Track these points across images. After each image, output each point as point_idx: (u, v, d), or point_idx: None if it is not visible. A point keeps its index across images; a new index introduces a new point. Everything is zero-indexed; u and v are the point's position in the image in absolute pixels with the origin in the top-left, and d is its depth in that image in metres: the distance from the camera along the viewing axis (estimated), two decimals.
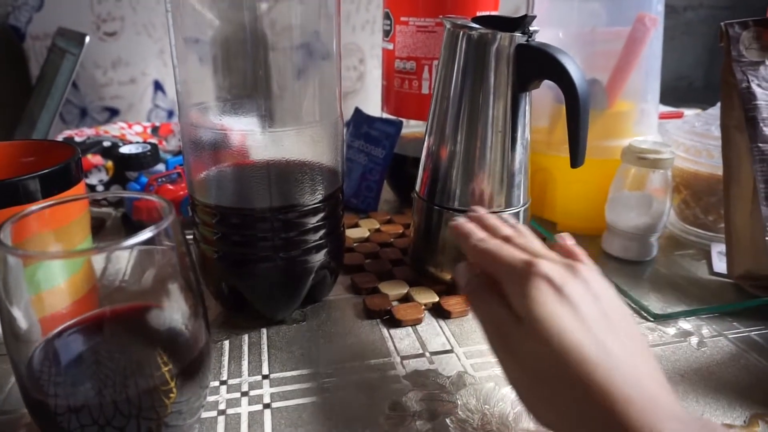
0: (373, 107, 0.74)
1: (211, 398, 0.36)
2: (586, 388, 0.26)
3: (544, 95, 0.62)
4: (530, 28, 0.44)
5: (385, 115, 0.69)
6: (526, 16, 0.43)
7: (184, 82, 0.42)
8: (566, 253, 0.36)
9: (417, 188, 0.51)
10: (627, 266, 0.55)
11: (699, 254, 0.58)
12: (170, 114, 1.34)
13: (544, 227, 0.63)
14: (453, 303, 0.47)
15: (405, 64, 0.63)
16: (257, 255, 0.43)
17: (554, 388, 0.28)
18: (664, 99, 0.67)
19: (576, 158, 0.43)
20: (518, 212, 0.48)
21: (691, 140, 0.59)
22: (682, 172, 0.60)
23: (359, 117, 0.70)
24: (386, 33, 0.65)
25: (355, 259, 0.55)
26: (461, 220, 0.39)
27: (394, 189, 0.71)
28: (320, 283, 0.47)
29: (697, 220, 0.60)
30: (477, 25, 0.44)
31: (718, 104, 0.57)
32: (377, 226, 0.63)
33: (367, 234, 0.61)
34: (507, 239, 0.35)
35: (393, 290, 0.49)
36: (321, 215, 0.45)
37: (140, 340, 0.30)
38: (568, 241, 0.36)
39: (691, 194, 0.60)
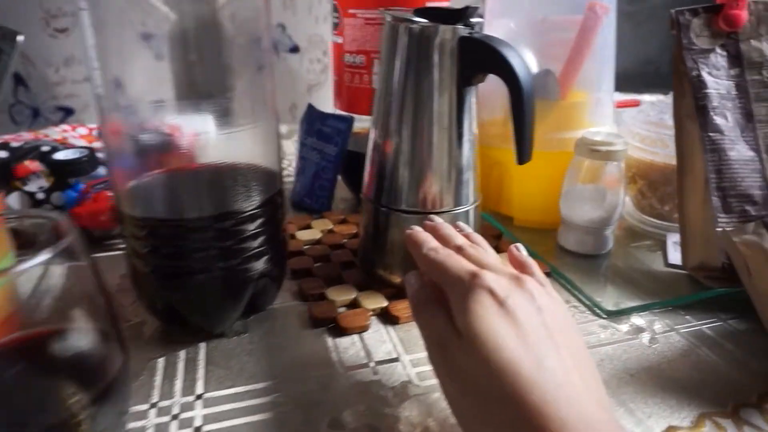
0: None
1: (137, 424, 0.34)
2: (521, 407, 0.25)
3: (498, 86, 0.60)
4: (473, 20, 0.42)
5: (338, 111, 0.66)
6: (468, 7, 0.41)
7: (115, 80, 0.40)
8: (517, 265, 0.35)
9: (363, 188, 0.49)
10: (583, 260, 0.54)
11: (655, 245, 0.57)
12: (129, 112, 1.29)
13: (501, 222, 0.62)
14: (401, 308, 0.46)
15: (354, 58, 0.61)
16: (192, 267, 0.40)
17: (489, 406, 0.26)
18: (632, 85, 0.66)
19: (522, 154, 0.42)
20: (467, 211, 0.47)
21: (646, 130, 0.58)
22: (638, 162, 0.59)
23: (312, 114, 0.67)
24: (334, 26, 0.62)
25: (304, 263, 0.53)
26: (415, 229, 0.38)
27: (349, 186, 0.69)
28: (262, 292, 0.45)
29: (654, 211, 0.60)
30: (418, 18, 0.42)
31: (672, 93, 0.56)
32: (330, 226, 0.61)
33: (318, 236, 0.58)
34: (459, 249, 0.34)
35: (340, 296, 0.47)
36: (259, 221, 0.42)
37: (43, 370, 0.28)
38: (521, 251, 0.36)
39: (647, 184, 0.59)
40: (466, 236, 0.38)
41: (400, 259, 0.47)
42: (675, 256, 0.54)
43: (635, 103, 0.70)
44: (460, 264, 0.32)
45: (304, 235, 0.58)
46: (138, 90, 0.40)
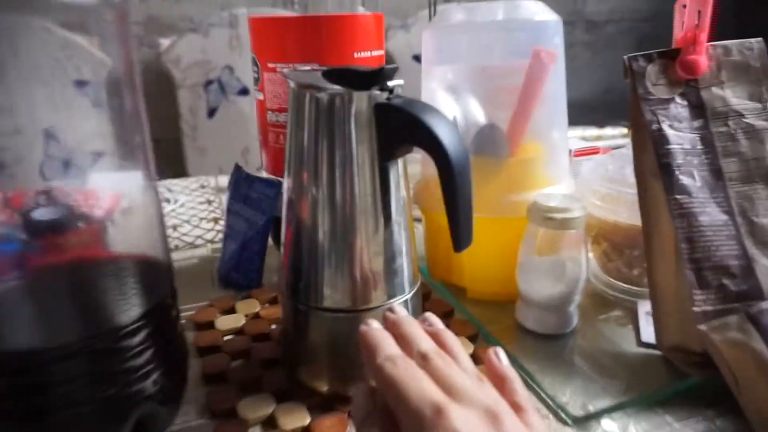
0: None
1: None
2: None
3: None
4: (393, 83, 0.35)
5: (265, 174, 0.59)
6: (383, 68, 0.34)
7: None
8: (496, 378, 0.28)
9: (279, 278, 0.42)
10: (544, 342, 0.47)
11: (625, 316, 0.51)
12: (66, 165, 1.20)
13: (453, 294, 0.55)
14: (327, 426, 0.38)
15: (277, 116, 0.54)
16: (53, 404, 0.32)
17: None
18: (593, 115, 0.61)
19: (459, 241, 0.35)
20: (405, 301, 0.40)
21: (606, 187, 0.52)
22: (601, 222, 0.53)
23: (239, 176, 0.60)
24: (255, 81, 0.55)
25: (219, 364, 0.45)
26: (371, 326, 0.30)
27: None
28: (152, 417, 0.36)
29: (621, 275, 0.53)
30: (326, 84, 0.35)
31: (629, 143, 0.50)
32: (257, 309, 0.53)
33: (242, 322, 0.50)
34: (424, 359, 0.27)
35: (254, 411, 0.39)
36: (144, 333, 0.34)
37: None
38: (501, 360, 0.29)
39: (612, 246, 0.53)
40: (435, 335, 0.30)
41: (326, 365, 0.40)
42: (648, 331, 0.47)
43: (595, 151, 0.64)
44: (421, 390, 0.25)
45: (225, 323, 0.50)
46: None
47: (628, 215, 0.50)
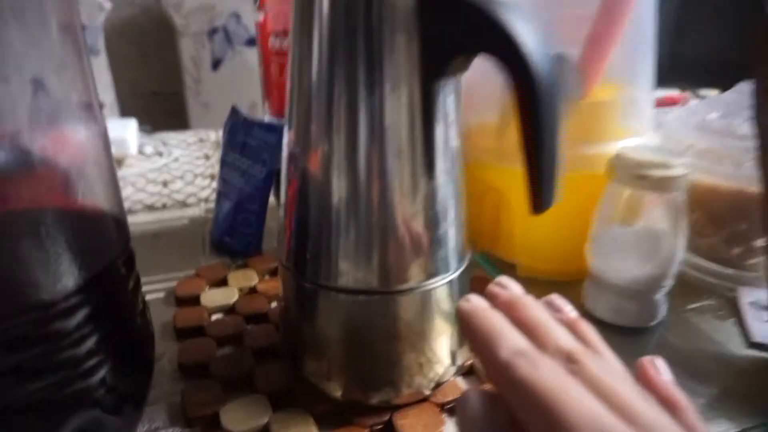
0: None
1: None
2: None
3: (489, 76, 0.42)
4: None
5: (268, 117, 0.48)
6: None
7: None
8: (662, 398, 0.19)
9: (278, 247, 0.31)
10: (620, 337, 0.36)
11: (722, 307, 0.40)
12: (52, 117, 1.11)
13: (499, 270, 0.44)
14: None
15: (281, 41, 0.42)
16: None
17: None
18: (672, 82, 0.48)
19: (540, 198, 0.24)
20: (449, 282, 0.29)
21: (706, 140, 0.40)
22: (694, 187, 0.41)
23: (235, 120, 0.49)
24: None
25: (201, 351, 0.34)
26: (477, 304, 0.21)
27: None
28: (99, 428, 0.27)
29: (716, 254, 0.42)
30: None
31: (741, 86, 0.38)
32: (254, 282, 0.42)
33: (233, 298, 0.40)
34: (572, 361, 0.18)
35: (243, 423, 0.29)
36: (84, 312, 0.24)
37: None
38: (663, 374, 0.20)
39: (707, 217, 0.41)
40: (571, 325, 0.20)
41: (341, 363, 0.29)
42: (761, 329, 0.36)
43: (675, 100, 0.52)
44: (588, 411, 0.16)
45: (212, 298, 0.40)
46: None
47: (735, 176, 0.38)
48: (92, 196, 0.24)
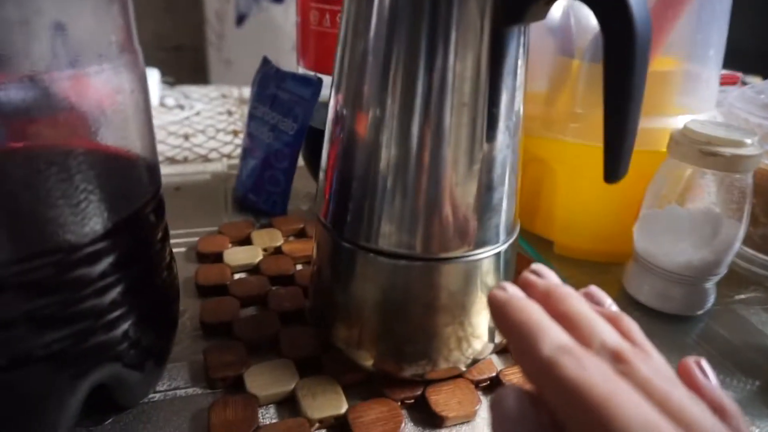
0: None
1: None
2: None
3: (540, 40, 0.39)
4: None
5: (301, 70, 0.45)
6: None
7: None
8: (712, 404, 0.16)
9: (317, 205, 0.29)
10: (663, 324, 0.35)
11: None
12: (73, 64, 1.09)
13: (536, 248, 0.42)
14: (372, 420, 0.26)
15: None
16: None
17: None
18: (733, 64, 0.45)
19: (618, 165, 0.21)
20: (498, 253, 0.27)
21: None
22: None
23: (266, 72, 0.46)
24: None
25: (225, 310, 0.33)
26: (513, 293, 0.18)
27: (315, 177, 0.49)
28: (120, 383, 0.25)
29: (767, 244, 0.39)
30: None
31: None
32: (279, 242, 0.40)
33: (258, 258, 0.38)
34: (619, 360, 0.16)
35: (268, 387, 0.27)
36: (110, 260, 0.22)
37: None
38: (711, 379, 0.17)
39: (765, 204, 0.39)
40: (613, 321, 0.18)
41: (374, 330, 0.27)
42: None
43: (734, 79, 0.49)
44: (643, 417, 0.14)
45: (236, 257, 0.38)
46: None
47: None
48: (124, 138, 0.22)
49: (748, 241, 0.40)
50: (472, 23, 0.22)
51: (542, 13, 0.23)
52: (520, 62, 0.24)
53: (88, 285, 0.22)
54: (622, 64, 0.19)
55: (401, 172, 0.24)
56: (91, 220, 0.21)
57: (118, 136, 0.22)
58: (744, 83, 0.70)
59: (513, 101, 0.24)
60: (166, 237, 0.27)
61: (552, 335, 0.16)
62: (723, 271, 0.33)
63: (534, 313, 0.17)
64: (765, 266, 0.40)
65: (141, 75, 0.23)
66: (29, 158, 0.20)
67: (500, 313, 0.17)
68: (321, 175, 0.28)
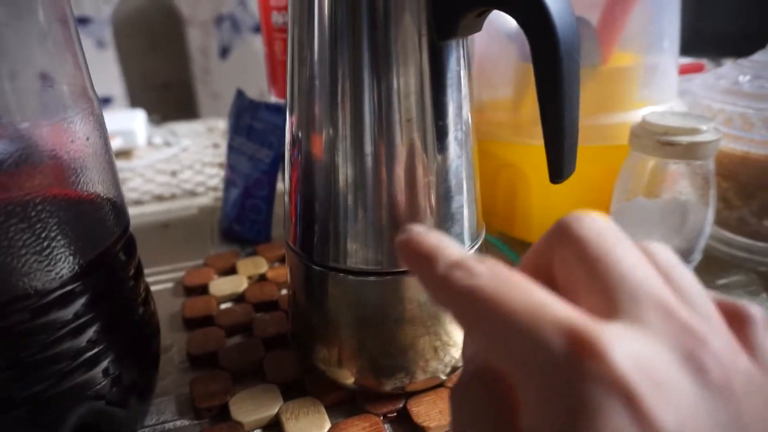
0: None
1: None
2: None
3: (501, 48, 0.40)
4: None
5: (273, 99, 0.47)
6: None
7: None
8: (730, 314, 0.14)
9: (284, 230, 0.30)
10: None
11: (754, 282, 0.37)
12: (45, 113, 1.11)
13: (516, 251, 0.42)
14: None
15: (285, 17, 0.41)
16: None
17: None
18: (694, 51, 0.46)
19: (560, 166, 0.22)
20: None
21: (736, 105, 0.38)
22: (722, 156, 0.39)
23: (241, 104, 0.48)
24: None
25: (210, 340, 0.33)
26: (410, 230, 0.16)
27: None
28: (105, 421, 0.26)
29: (746, 227, 0.40)
30: None
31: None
32: (263, 269, 0.41)
33: (243, 287, 0.39)
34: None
35: (252, 413, 0.28)
36: (83, 300, 0.23)
37: None
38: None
39: (736, 188, 0.39)
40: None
41: (352, 348, 0.28)
42: None
43: (698, 67, 0.50)
44: (639, 269, 0.13)
45: (221, 287, 0.39)
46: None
47: (766, 144, 0.36)
48: (86, 183, 0.23)
49: (725, 224, 0.41)
50: (409, 40, 0.23)
51: (477, 26, 0.23)
52: (462, 73, 0.25)
53: (63, 326, 0.23)
54: (549, 71, 0.20)
55: (360, 190, 0.25)
56: (58, 264, 0.22)
57: (79, 181, 0.23)
58: (719, 65, 0.71)
59: (460, 112, 0.25)
60: (139, 274, 0.27)
61: (446, 254, 0.15)
62: (697, 257, 0.34)
63: (431, 239, 0.15)
64: (744, 248, 0.40)
65: (98, 121, 0.24)
66: None
67: (404, 254, 0.16)
68: (285, 199, 0.29)
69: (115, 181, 0.25)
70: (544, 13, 0.19)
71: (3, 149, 0.21)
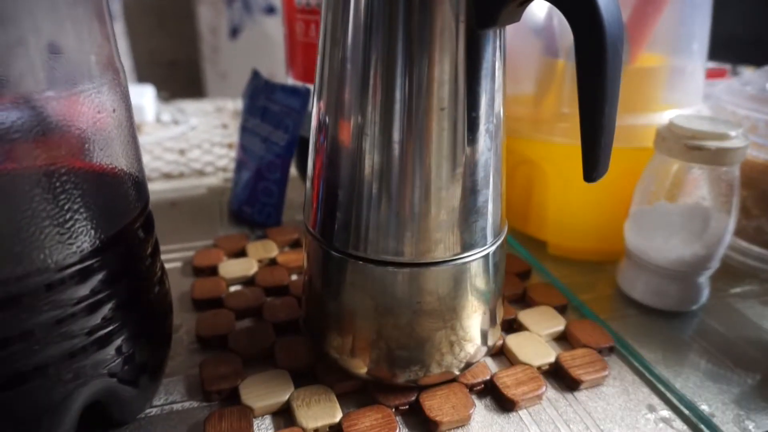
0: None
1: None
2: None
3: (525, 43, 0.39)
4: None
5: (291, 81, 0.46)
6: None
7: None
8: None
9: (305, 215, 0.29)
10: (659, 321, 0.34)
11: (767, 292, 0.37)
12: (54, 84, 1.10)
13: (530, 250, 0.42)
14: (367, 428, 0.26)
15: None
16: None
17: None
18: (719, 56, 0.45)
19: (596, 163, 0.22)
20: (486, 255, 0.27)
21: (763, 113, 0.37)
22: (743, 163, 0.38)
23: (256, 84, 0.47)
24: None
25: (220, 323, 0.33)
26: None
27: None
28: (115, 399, 0.25)
29: (762, 236, 0.39)
30: None
31: None
32: (274, 253, 0.41)
33: (253, 270, 0.39)
34: None
35: (263, 398, 0.28)
36: (100, 277, 0.23)
37: None
38: None
39: (756, 197, 0.39)
40: None
41: (367, 338, 0.27)
42: None
43: (721, 73, 0.49)
44: None
45: (231, 269, 0.38)
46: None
47: None
48: (109, 156, 0.23)
49: (742, 233, 0.40)
50: (446, 28, 0.22)
51: (516, 15, 0.23)
52: (497, 65, 0.24)
53: (79, 302, 0.23)
54: (594, 65, 0.19)
55: (385, 179, 0.24)
56: (78, 238, 0.21)
57: (102, 154, 0.22)
58: (736, 74, 0.70)
59: (492, 104, 0.24)
60: (156, 252, 0.27)
61: None
62: (715, 264, 0.33)
63: None
64: (760, 258, 0.40)
65: (123, 93, 0.24)
66: (13, 180, 0.20)
67: None
68: (307, 184, 0.28)
69: (137, 156, 0.25)
70: (592, 3, 0.19)
71: (29, 117, 0.20)
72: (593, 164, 0.21)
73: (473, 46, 0.23)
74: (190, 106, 0.81)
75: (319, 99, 0.26)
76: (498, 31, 0.23)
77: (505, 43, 0.24)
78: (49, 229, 0.20)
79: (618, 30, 0.19)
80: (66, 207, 0.21)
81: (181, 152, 0.63)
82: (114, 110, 0.22)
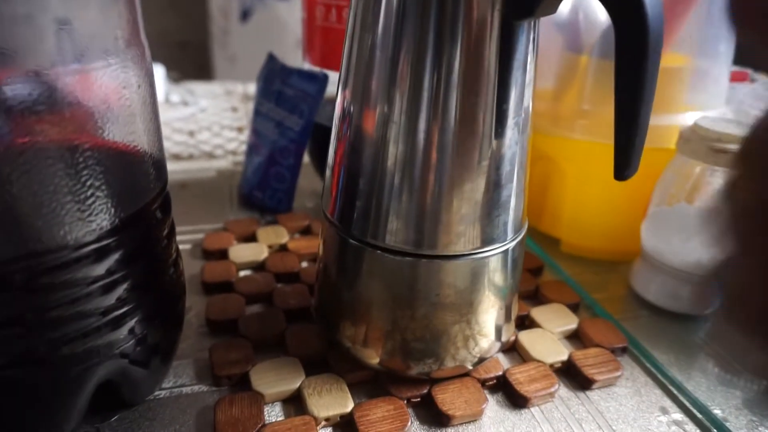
0: None
1: None
2: None
3: (547, 37, 0.39)
4: None
5: (307, 66, 0.45)
6: None
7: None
8: None
9: (323, 202, 0.29)
10: (670, 323, 0.34)
11: None
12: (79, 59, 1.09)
13: (543, 246, 0.41)
14: (378, 418, 0.26)
15: None
16: None
17: None
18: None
19: (627, 162, 0.21)
20: (506, 251, 0.26)
21: None
22: None
23: (272, 67, 0.46)
24: None
25: (230, 307, 0.33)
26: None
27: (321, 174, 0.49)
28: (126, 380, 0.25)
29: None
30: None
31: None
32: (284, 239, 0.40)
33: (263, 255, 0.38)
34: None
35: (274, 385, 0.27)
36: (116, 257, 0.22)
37: None
38: None
39: None
40: None
41: (381, 328, 0.27)
42: None
43: (743, 76, 0.49)
44: None
45: (241, 254, 0.38)
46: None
47: None
48: (132, 134, 0.22)
49: None
50: (481, 17, 0.22)
51: (553, 7, 0.22)
52: (530, 58, 0.24)
53: (95, 282, 0.22)
54: (634, 62, 0.19)
55: (409, 169, 0.24)
56: (97, 216, 0.21)
57: (125, 131, 0.22)
58: (753, 80, 0.70)
59: (522, 97, 0.24)
60: (172, 233, 0.27)
61: None
62: None
63: None
64: None
65: (148, 70, 0.23)
66: (35, 154, 0.20)
67: None
68: (328, 171, 0.28)
69: (158, 135, 0.24)
70: (639, 5, 0.18)
71: (55, 91, 0.20)
72: (626, 163, 0.21)
73: (507, 37, 0.22)
74: (199, 87, 0.81)
75: (344, 87, 0.26)
76: (532, 24, 0.23)
77: (538, 36, 0.24)
78: (70, 205, 0.20)
79: (660, 30, 0.19)
80: (88, 183, 0.20)
81: (191, 134, 0.63)
82: (139, 86, 0.22)
